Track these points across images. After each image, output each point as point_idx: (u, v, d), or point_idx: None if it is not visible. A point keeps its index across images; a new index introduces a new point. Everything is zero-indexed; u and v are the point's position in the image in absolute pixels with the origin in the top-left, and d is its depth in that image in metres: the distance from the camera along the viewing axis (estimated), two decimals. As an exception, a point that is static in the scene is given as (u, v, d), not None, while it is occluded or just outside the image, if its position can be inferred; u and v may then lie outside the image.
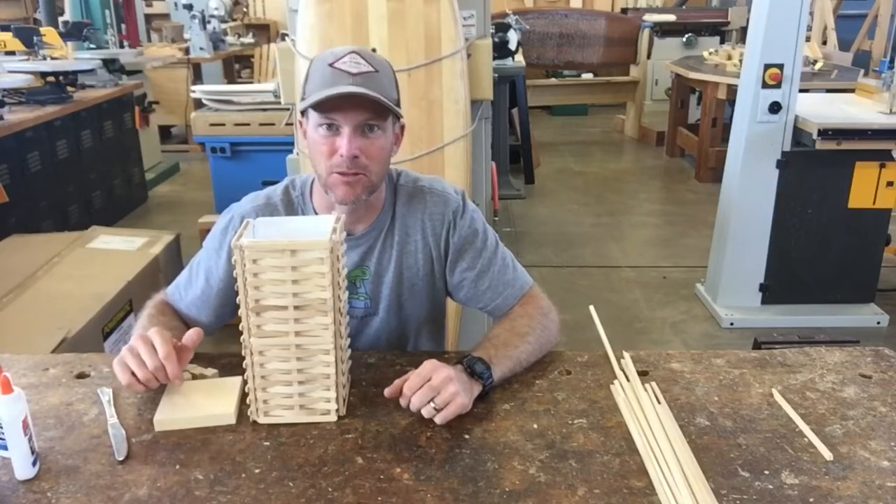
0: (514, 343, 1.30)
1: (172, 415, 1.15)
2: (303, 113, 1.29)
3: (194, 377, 1.26)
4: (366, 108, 1.23)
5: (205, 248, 1.40)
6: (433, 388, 1.13)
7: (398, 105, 1.30)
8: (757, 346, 1.54)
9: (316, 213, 1.37)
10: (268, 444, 1.10)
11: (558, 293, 3.72)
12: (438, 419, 1.12)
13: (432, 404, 1.12)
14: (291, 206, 1.39)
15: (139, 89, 5.31)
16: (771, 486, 1.01)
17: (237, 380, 1.22)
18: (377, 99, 1.22)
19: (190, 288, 1.40)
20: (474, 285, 1.41)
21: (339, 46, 1.29)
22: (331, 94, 1.20)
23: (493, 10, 2.97)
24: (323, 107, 1.23)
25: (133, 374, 1.15)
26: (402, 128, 1.36)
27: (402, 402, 1.15)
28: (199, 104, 4.19)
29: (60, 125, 4.12)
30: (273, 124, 3.74)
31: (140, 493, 0.99)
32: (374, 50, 1.37)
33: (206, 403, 1.18)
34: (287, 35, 2.58)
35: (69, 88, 4.37)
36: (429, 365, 1.16)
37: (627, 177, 5.99)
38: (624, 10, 8.12)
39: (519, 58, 4.90)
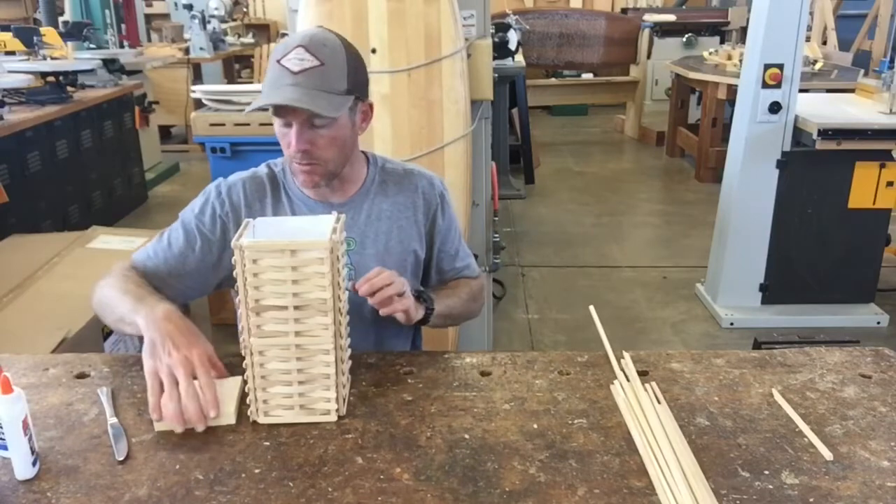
0: (450, 296, 1.47)
1: None
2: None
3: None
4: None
5: (184, 213, 1.44)
6: (385, 280, 1.25)
7: (353, 92, 1.31)
8: (757, 346, 1.54)
9: (296, 185, 1.44)
10: (268, 444, 1.10)
11: (558, 293, 3.72)
12: (376, 300, 1.24)
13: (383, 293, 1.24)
14: (275, 179, 1.45)
15: (139, 89, 5.30)
16: (771, 486, 1.00)
17: (237, 380, 1.22)
18: (301, 108, 1.24)
19: (169, 249, 1.40)
20: (452, 266, 1.55)
21: (293, 38, 1.30)
22: (263, 104, 1.27)
23: (493, 10, 2.97)
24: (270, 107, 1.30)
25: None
26: (371, 105, 1.41)
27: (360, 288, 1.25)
28: (199, 104, 4.18)
29: (60, 125, 4.12)
30: (273, 124, 3.73)
31: (140, 493, 0.99)
32: (373, 50, 1.38)
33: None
34: (287, 35, 2.58)
35: (69, 88, 4.37)
36: (387, 271, 1.28)
37: (627, 177, 5.99)
38: (624, 10, 8.12)
39: (519, 58, 4.89)
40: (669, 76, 6.40)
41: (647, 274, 3.99)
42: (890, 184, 3.14)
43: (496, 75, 2.88)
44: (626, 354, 1.33)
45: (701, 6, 8.61)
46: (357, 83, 1.33)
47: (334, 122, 1.31)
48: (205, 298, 3.34)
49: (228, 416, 1.15)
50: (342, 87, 1.29)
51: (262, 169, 1.48)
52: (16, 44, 4.70)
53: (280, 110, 1.29)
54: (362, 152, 1.48)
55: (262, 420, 1.15)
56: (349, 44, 1.34)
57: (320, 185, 1.38)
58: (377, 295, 1.25)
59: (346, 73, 1.30)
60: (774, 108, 3.09)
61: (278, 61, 1.27)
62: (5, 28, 5.02)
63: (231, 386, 1.22)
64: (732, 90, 4.59)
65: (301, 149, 1.30)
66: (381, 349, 1.48)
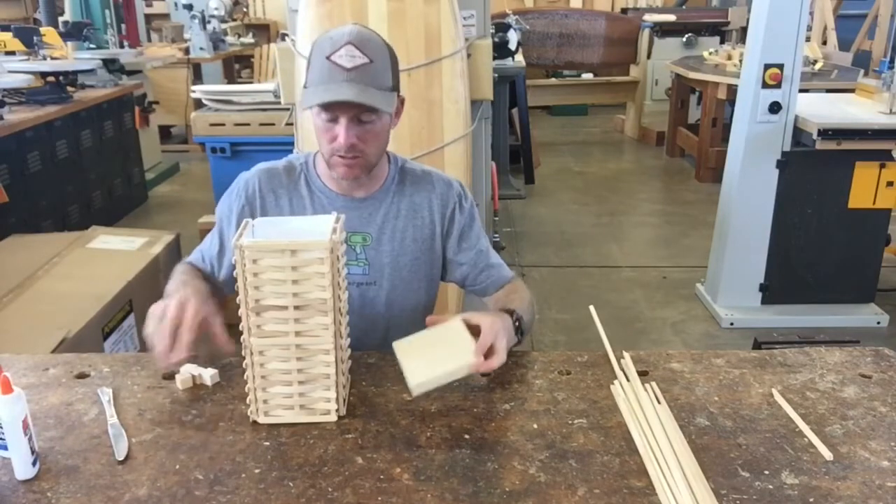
0: (527, 310, 1.42)
1: (426, 377, 1.15)
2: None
3: (193, 378, 1.26)
4: (359, 103, 1.31)
5: (217, 216, 1.50)
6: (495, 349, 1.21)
7: (395, 88, 1.38)
8: (757, 346, 1.54)
9: (320, 179, 1.47)
10: (268, 444, 1.10)
11: (558, 293, 3.72)
12: (483, 368, 1.18)
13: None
14: (293, 172, 1.48)
15: (139, 89, 5.30)
16: (771, 486, 1.00)
17: (459, 323, 1.24)
18: (364, 104, 1.29)
19: (211, 248, 1.48)
20: (474, 264, 1.53)
21: (338, 29, 1.33)
22: (325, 102, 1.30)
23: (493, 10, 2.97)
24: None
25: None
26: (402, 101, 1.44)
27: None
28: (199, 104, 4.18)
29: (60, 125, 4.12)
30: (273, 124, 3.74)
31: (140, 493, 0.99)
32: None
33: (448, 357, 1.18)
34: (287, 35, 2.58)
35: (69, 88, 4.36)
36: (494, 328, 1.23)
37: (627, 177, 5.99)
38: (624, 10, 8.11)
39: (519, 58, 4.90)
40: (669, 76, 6.40)
41: (647, 274, 3.99)
42: (890, 184, 3.13)
43: (496, 75, 2.88)
44: (626, 354, 1.33)
45: (701, 6, 8.61)
46: (397, 79, 1.39)
47: (379, 118, 1.36)
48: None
49: (469, 362, 1.16)
50: (389, 83, 1.35)
51: (281, 161, 1.51)
52: (16, 44, 4.70)
53: (330, 105, 1.32)
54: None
55: (262, 420, 1.15)
56: (385, 41, 1.38)
57: (360, 178, 1.41)
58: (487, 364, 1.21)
59: (390, 70, 1.37)
60: (774, 108, 3.09)
61: (328, 58, 1.30)
62: (5, 28, 5.02)
63: (457, 331, 1.23)
64: (732, 90, 4.59)
65: (350, 143, 1.33)
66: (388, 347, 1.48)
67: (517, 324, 1.33)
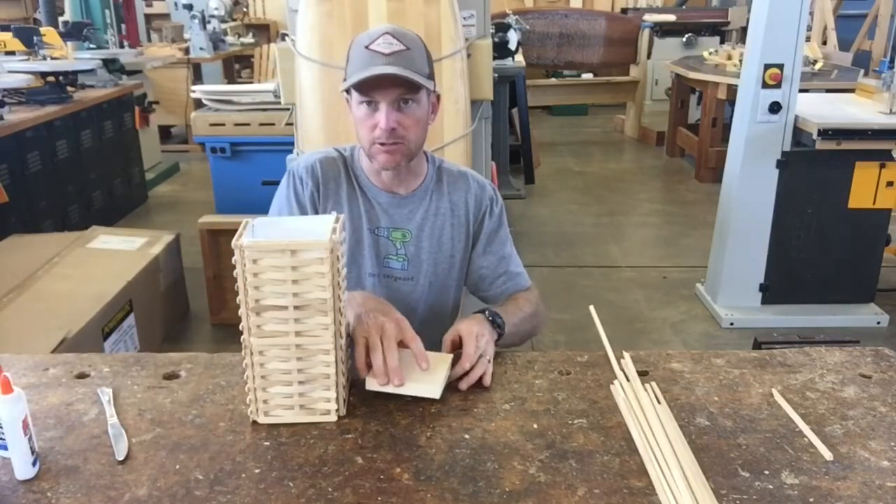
0: (515, 314, 1.45)
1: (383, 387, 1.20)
2: (347, 92, 1.41)
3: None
4: (399, 84, 1.34)
5: (275, 213, 1.49)
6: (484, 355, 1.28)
7: (431, 77, 1.40)
8: (757, 346, 1.54)
9: (364, 173, 1.50)
10: (268, 444, 1.10)
11: (558, 293, 3.72)
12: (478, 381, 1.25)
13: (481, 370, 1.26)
14: (346, 162, 1.51)
15: (139, 89, 5.30)
16: (771, 486, 1.00)
17: (447, 358, 1.26)
18: (406, 77, 1.32)
19: None
20: (494, 269, 1.55)
21: (374, 28, 1.38)
22: (365, 77, 1.32)
23: (493, 10, 2.97)
24: (361, 87, 1.35)
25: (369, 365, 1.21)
26: (438, 97, 1.47)
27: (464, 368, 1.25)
28: (199, 104, 4.18)
29: (60, 125, 4.12)
30: (273, 124, 3.74)
31: (140, 493, 0.99)
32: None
33: (415, 378, 1.21)
34: (287, 35, 2.58)
35: (69, 88, 4.36)
36: (474, 336, 1.28)
37: (627, 177, 5.99)
38: (624, 10, 8.12)
39: (519, 58, 4.90)
40: (669, 76, 6.40)
41: (647, 274, 3.99)
42: (890, 184, 3.14)
43: (496, 75, 2.88)
44: (626, 354, 1.33)
45: (701, 6, 8.61)
46: (432, 71, 1.42)
47: (419, 104, 1.38)
48: (205, 298, 3.34)
49: (434, 390, 1.19)
50: (426, 70, 1.39)
51: (330, 151, 1.53)
52: (16, 44, 4.69)
53: (370, 92, 1.34)
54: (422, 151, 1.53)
55: (262, 420, 1.15)
56: (420, 37, 1.41)
57: (400, 166, 1.42)
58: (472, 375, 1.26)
59: (426, 59, 1.40)
60: (774, 108, 3.09)
61: (367, 47, 1.33)
62: (5, 28, 5.01)
63: (441, 361, 1.25)
64: (732, 90, 4.59)
65: (390, 127, 1.35)
66: None
67: (491, 318, 1.36)
